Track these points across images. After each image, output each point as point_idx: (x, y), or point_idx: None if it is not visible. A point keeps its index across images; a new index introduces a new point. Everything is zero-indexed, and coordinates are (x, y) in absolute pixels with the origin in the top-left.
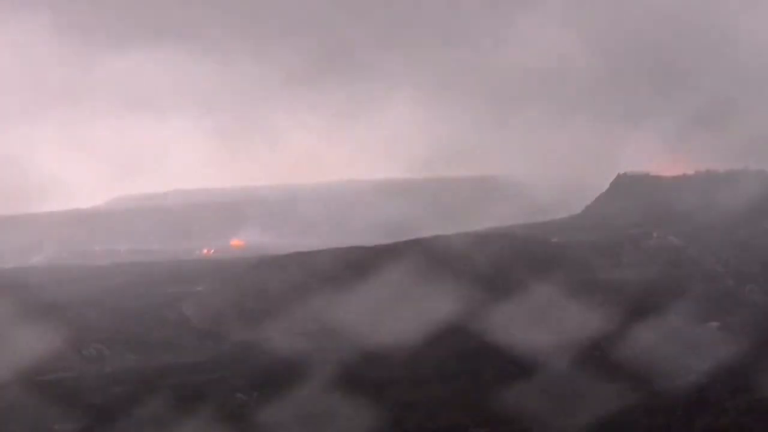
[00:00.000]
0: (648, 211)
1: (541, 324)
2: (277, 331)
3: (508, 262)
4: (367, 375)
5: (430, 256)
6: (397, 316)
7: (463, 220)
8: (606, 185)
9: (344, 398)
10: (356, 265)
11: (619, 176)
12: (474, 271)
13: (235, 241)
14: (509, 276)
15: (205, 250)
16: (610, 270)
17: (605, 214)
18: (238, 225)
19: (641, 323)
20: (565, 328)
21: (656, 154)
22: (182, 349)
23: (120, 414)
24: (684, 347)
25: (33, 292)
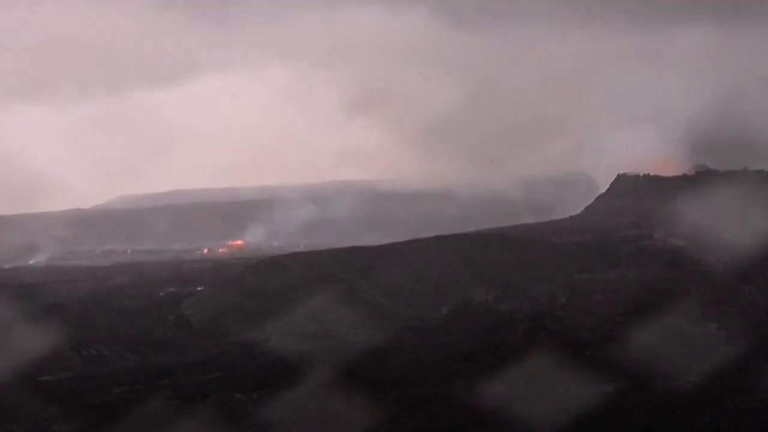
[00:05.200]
0: (648, 212)
1: (540, 324)
2: (276, 331)
3: (508, 262)
4: (366, 375)
5: (429, 257)
6: (397, 316)
7: (463, 220)
8: (606, 185)
9: (344, 398)
10: (356, 265)
11: (618, 176)
12: (474, 272)
13: (235, 241)
14: (509, 276)
15: (205, 250)
16: (610, 270)
17: (605, 215)
18: (238, 225)
19: (641, 323)
20: (565, 328)
21: (656, 154)
22: (182, 349)
23: (119, 414)
24: (683, 347)
25: (32, 292)
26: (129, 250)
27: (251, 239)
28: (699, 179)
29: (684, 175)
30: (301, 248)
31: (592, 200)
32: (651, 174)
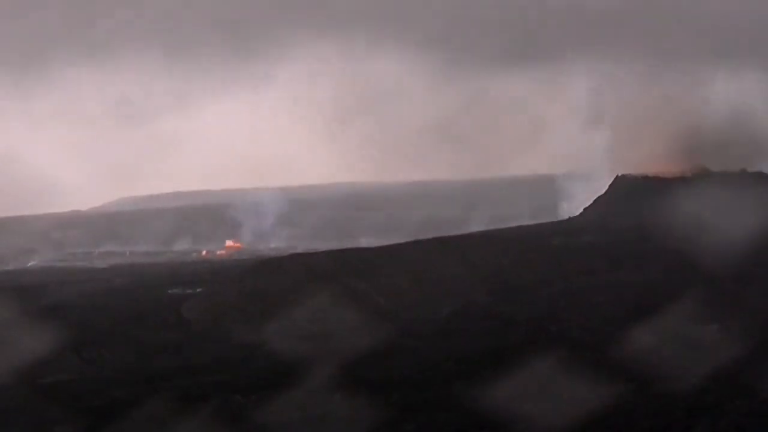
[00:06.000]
0: (647, 213)
1: (541, 326)
2: (276, 333)
3: (507, 263)
4: (366, 377)
5: (429, 259)
6: (397, 318)
7: (462, 221)
8: (605, 187)
9: (344, 400)
10: (356, 267)
11: (617, 177)
12: (474, 274)
13: (235, 243)
14: (508, 277)
15: (204, 252)
16: (609, 272)
17: (604, 216)
18: (237, 226)
19: (640, 325)
20: (564, 329)
21: (656, 155)
22: (182, 351)
23: (119, 416)
24: (684, 349)
25: (32, 293)
26: (128, 252)
27: (250, 241)
28: (698, 181)
29: (683, 177)
30: (300, 250)
31: (591, 201)
32: (650, 175)
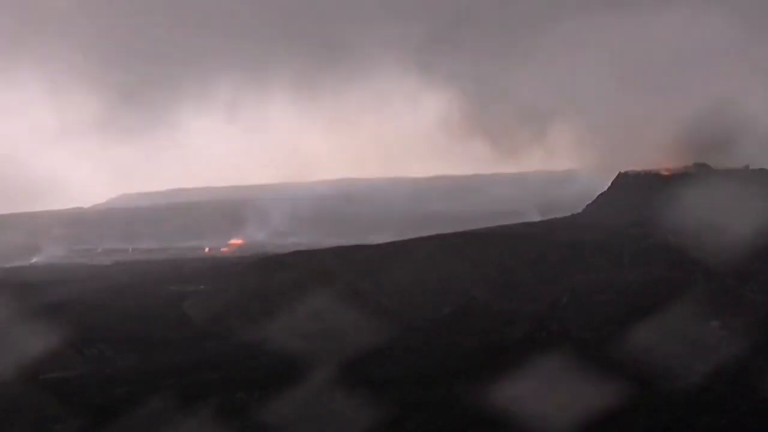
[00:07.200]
0: (649, 210)
1: (541, 324)
2: (278, 330)
3: (508, 261)
4: (367, 375)
5: (431, 256)
6: (399, 315)
7: (463, 218)
8: (607, 184)
9: (345, 398)
10: (358, 264)
11: (620, 175)
12: (476, 271)
13: (237, 240)
14: (510, 275)
15: (206, 249)
16: (611, 269)
17: (606, 213)
18: (239, 224)
19: (642, 323)
20: (565, 327)
21: (657, 152)
22: (183, 349)
23: (121, 413)
24: (685, 347)
25: (34, 291)
26: (130, 249)
27: (253, 238)
28: (700, 177)
29: (685, 174)
30: (302, 247)
31: (593, 198)
32: (652, 172)
